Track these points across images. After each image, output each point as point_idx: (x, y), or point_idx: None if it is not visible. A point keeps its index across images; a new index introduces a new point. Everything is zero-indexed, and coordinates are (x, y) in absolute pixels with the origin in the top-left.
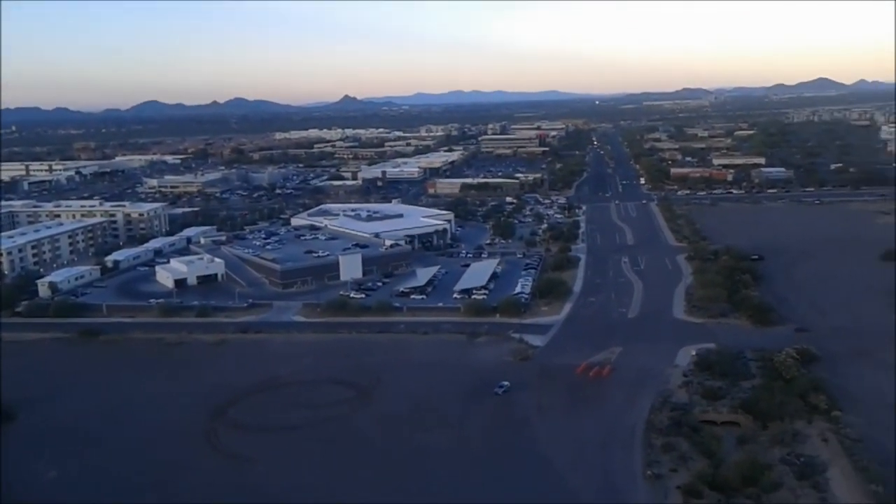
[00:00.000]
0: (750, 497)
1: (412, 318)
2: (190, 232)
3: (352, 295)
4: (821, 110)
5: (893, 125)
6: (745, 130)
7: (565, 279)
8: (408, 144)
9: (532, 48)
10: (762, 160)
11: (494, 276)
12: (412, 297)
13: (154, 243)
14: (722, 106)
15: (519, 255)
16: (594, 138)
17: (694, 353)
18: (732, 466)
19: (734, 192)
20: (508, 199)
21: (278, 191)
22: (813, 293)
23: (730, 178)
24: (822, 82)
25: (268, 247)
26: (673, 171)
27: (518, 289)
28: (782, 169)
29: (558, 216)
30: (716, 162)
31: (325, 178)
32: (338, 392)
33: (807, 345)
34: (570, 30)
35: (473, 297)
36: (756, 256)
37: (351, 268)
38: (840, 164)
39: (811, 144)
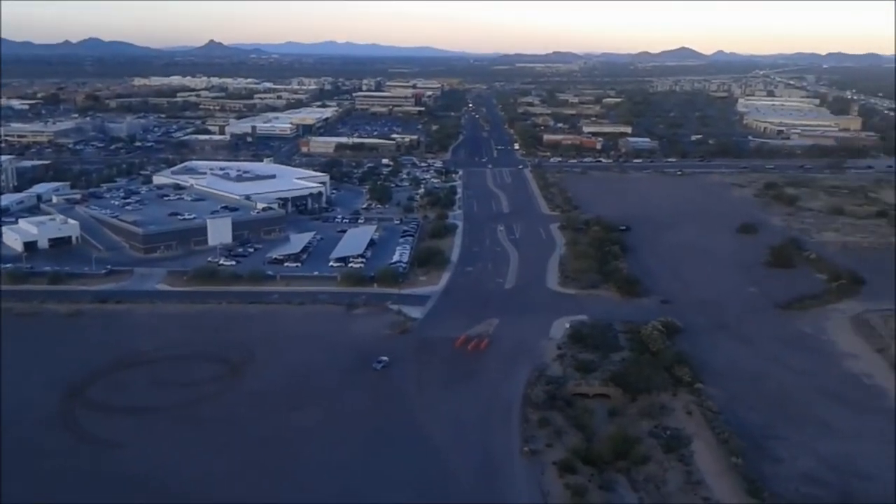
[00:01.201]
0: (620, 471)
1: (286, 287)
2: (40, 188)
3: (221, 262)
4: (682, 80)
5: (749, 98)
6: (612, 98)
7: (443, 248)
8: (279, 97)
9: (407, 2)
10: (629, 129)
11: (372, 243)
12: (286, 264)
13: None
14: (590, 71)
15: (396, 222)
16: (469, 100)
17: (567, 325)
18: (604, 441)
19: (603, 160)
20: (385, 160)
21: (138, 143)
22: (676, 265)
23: (599, 146)
24: (684, 52)
25: (128, 207)
26: (546, 137)
27: (396, 257)
28: (647, 139)
29: (435, 181)
30: (586, 129)
31: (189, 130)
32: (207, 369)
33: (671, 317)
34: None
35: (350, 265)
36: (624, 227)
37: (220, 232)
38: (700, 136)
39: (673, 115)
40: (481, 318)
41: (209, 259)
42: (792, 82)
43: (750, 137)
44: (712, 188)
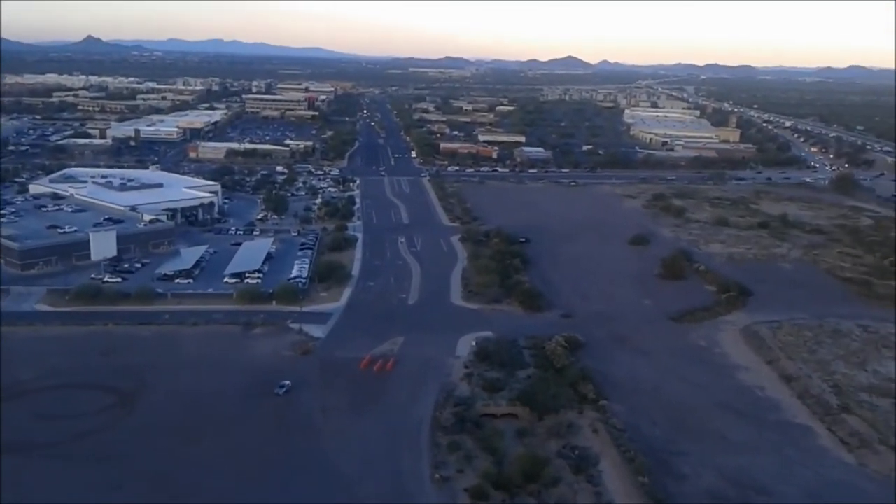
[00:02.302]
0: (532, 494)
1: (178, 306)
2: None
3: (106, 279)
4: (571, 89)
5: (634, 108)
6: (505, 106)
7: (344, 261)
8: (163, 98)
9: (297, 1)
10: (523, 138)
11: (269, 257)
12: (177, 281)
13: None
14: (482, 78)
15: (294, 234)
16: (364, 104)
17: (474, 343)
18: (514, 464)
19: (499, 169)
20: (279, 168)
21: (11, 148)
22: (574, 277)
23: (495, 155)
24: (571, 60)
25: (2, 219)
26: (442, 145)
27: (295, 272)
28: (541, 149)
29: (332, 190)
30: (481, 138)
31: (67, 134)
32: (94, 399)
33: (573, 331)
34: None
35: (247, 281)
36: (523, 239)
37: (104, 247)
38: (590, 146)
39: (564, 125)
40: (386, 336)
41: (93, 276)
42: (673, 93)
43: (637, 148)
44: (604, 199)
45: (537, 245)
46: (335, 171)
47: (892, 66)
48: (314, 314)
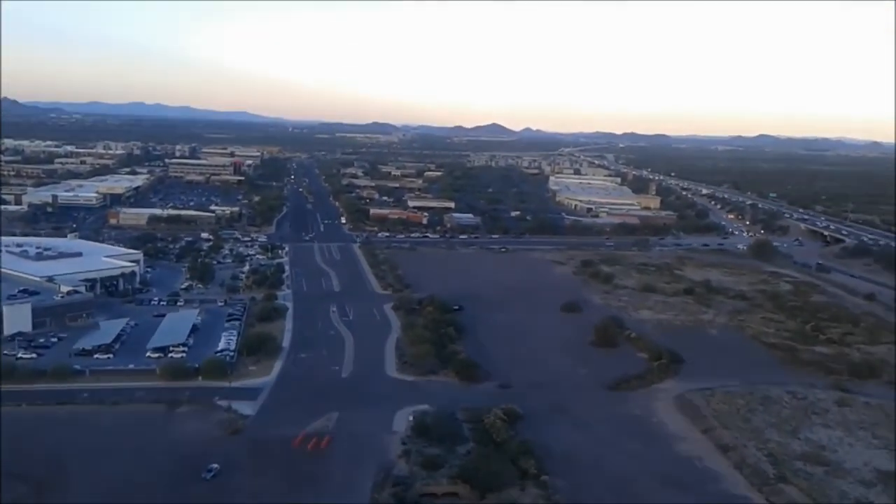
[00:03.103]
0: None
1: (98, 384)
2: None
3: (20, 355)
4: (497, 156)
5: (559, 175)
6: (433, 171)
7: (273, 332)
8: (82, 162)
9: (223, 63)
10: (452, 204)
11: (194, 329)
12: (96, 356)
13: None
14: (409, 143)
15: (220, 304)
16: (291, 169)
17: (411, 417)
18: None
19: (430, 235)
20: (204, 234)
21: None
22: (510, 345)
23: (425, 220)
24: (495, 127)
25: None
26: (372, 211)
27: (222, 345)
28: (471, 215)
29: (260, 257)
30: (411, 203)
31: None
32: (7, 488)
33: (510, 402)
34: (260, 50)
35: (171, 356)
36: (457, 307)
37: (18, 320)
38: (519, 212)
39: (492, 191)
40: (320, 411)
41: (6, 352)
42: (595, 161)
43: (563, 214)
44: (535, 265)
45: (471, 313)
46: (263, 238)
47: (799, 135)
48: (243, 390)
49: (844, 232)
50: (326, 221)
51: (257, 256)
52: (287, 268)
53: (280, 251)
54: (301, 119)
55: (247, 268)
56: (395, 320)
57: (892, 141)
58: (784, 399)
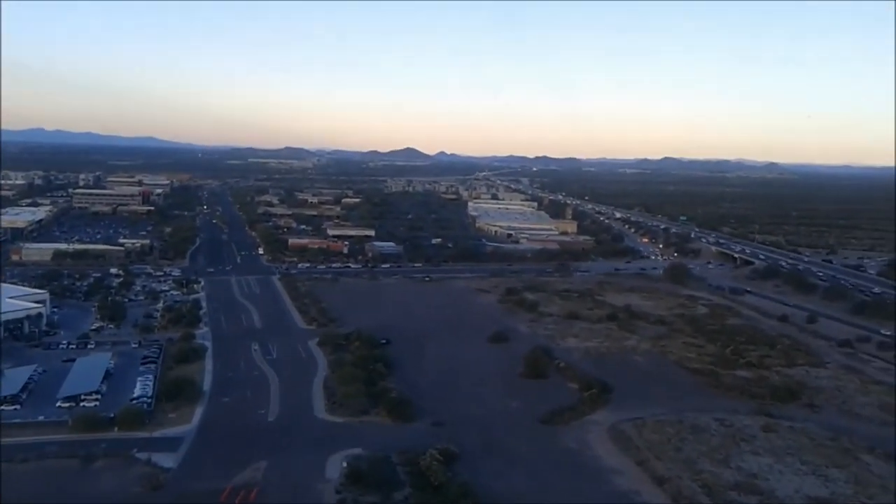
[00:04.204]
0: None
1: (4, 438)
2: None
3: None
4: (414, 181)
5: (477, 200)
6: (351, 198)
7: (193, 375)
8: None
9: (127, 86)
10: (372, 232)
11: (107, 374)
12: (2, 408)
13: None
14: (325, 168)
15: (134, 345)
16: (203, 198)
17: (345, 463)
18: None
19: (352, 265)
20: (114, 270)
21: None
22: (440, 380)
23: (346, 250)
24: (410, 152)
25: None
26: (291, 241)
27: (138, 391)
28: (392, 243)
29: (175, 293)
30: (330, 232)
31: None
32: None
33: (445, 440)
34: (167, 72)
35: (83, 405)
36: (384, 340)
37: None
38: (440, 239)
39: (411, 217)
40: (247, 461)
41: None
42: (511, 185)
43: (484, 241)
44: (459, 294)
45: (399, 346)
46: (176, 272)
47: (701, 157)
48: (163, 440)
49: (751, 253)
50: (243, 252)
51: (171, 292)
52: (204, 304)
53: (196, 286)
54: (211, 144)
55: (161, 305)
56: (321, 357)
57: (789, 162)
58: (712, 427)
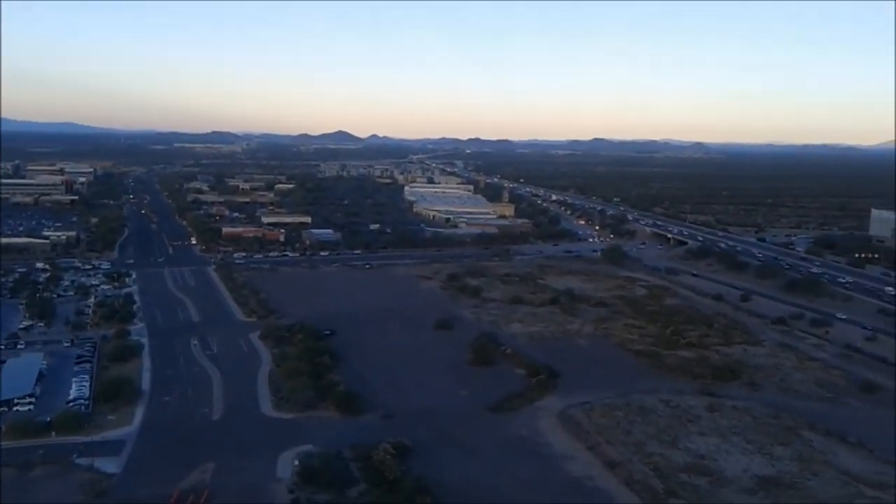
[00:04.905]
0: None
1: None
2: None
3: None
4: (348, 165)
5: (413, 185)
6: (284, 184)
7: (130, 374)
8: None
9: (41, 69)
10: (308, 219)
11: (40, 376)
12: None
13: None
14: (254, 153)
15: (67, 344)
16: (129, 185)
17: (296, 461)
18: None
19: (289, 254)
20: (40, 264)
21: None
22: (387, 370)
23: (282, 238)
24: (342, 135)
25: None
26: (225, 230)
27: (74, 393)
28: (329, 230)
29: (106, 287)
30: (265, 220)
31: None
32: None
33: (396, 433)
34: (84, 54)
35: (17, 409)
36: (328, 331)
37: None
38: (378, 225)
39: (347, 203)
40: (194, 462)
41: None
42: (446, 168)
43: (422, 226)
44: (401, 281)
45: (344, 337)
46: (106, 265)
47: (629, 138)
48: (104, 444)
49: (686, 234)
50: (175, 243)
51: (102, 287)
52: (137, 298)
53: (127, 279)
54: (134, 129)
55: (92, 300)
56: (264, 351)
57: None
58: (659, 408)
